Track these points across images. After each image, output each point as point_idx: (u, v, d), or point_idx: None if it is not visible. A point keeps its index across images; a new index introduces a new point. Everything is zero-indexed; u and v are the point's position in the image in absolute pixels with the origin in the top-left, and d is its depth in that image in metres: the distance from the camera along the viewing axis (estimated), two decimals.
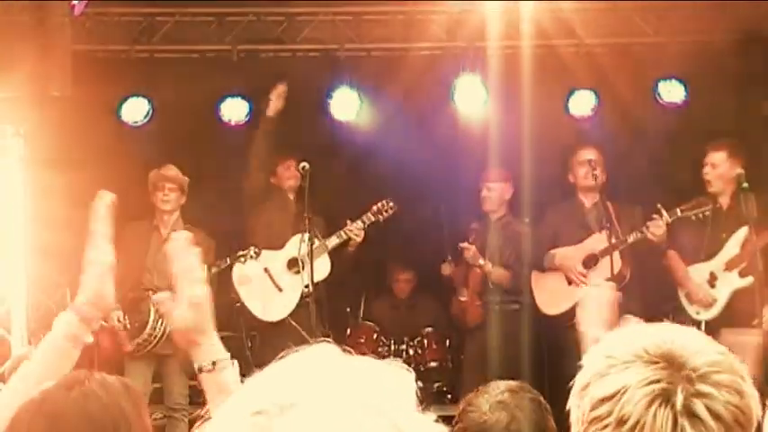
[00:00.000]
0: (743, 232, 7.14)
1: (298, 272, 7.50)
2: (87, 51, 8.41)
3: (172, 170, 7.53)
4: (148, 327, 7.19)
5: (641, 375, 1.41)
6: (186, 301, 2.14)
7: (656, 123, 8.65)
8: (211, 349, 2.16)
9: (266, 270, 7.70)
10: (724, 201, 7.43)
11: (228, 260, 7.43)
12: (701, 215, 7.11)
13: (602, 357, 1.47)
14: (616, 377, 1.43)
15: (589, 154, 7.47)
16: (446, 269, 8.24)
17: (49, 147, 8.19)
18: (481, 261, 7.98)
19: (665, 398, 1.39)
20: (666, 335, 1.47)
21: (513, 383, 2.90)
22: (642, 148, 8.34)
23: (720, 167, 7.36)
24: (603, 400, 1.43)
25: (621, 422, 1.40)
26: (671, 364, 1.41)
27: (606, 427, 1.42)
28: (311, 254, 7.25)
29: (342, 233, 7.72)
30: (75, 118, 7.75)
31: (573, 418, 1.50)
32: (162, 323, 7.08)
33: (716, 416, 1.38)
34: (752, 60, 8.66)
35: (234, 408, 1.01)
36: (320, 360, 1.06)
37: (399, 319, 8.77)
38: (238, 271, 7.63)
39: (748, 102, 8.75)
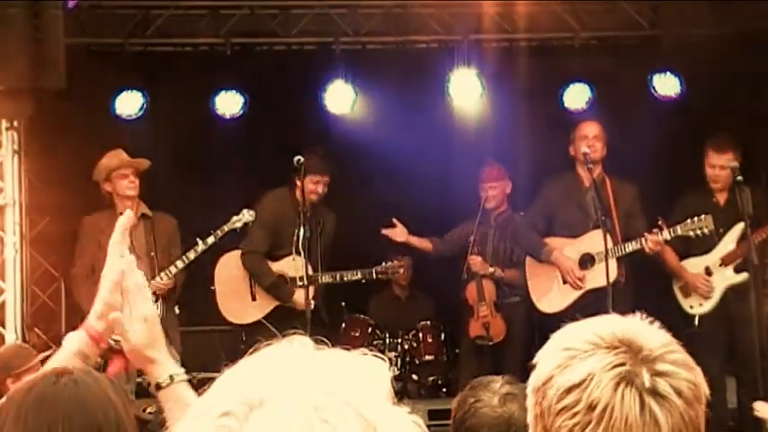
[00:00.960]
0: (739, 228, 7.15)
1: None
2: (81, 45, 8.39)
3: (124, 154, 7.34)
4: None
5: (605, 361, 1.46)
6: (140, 317, 2.14)
7: (650, 116, 8.65)
8: (167, 364, 2.16)
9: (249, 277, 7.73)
10: (722, 196, 7.44)
11: (226, 227, 7.37)
12: (699, 233, 7.13)
13: (560, 350, 1.51)
14: (580, 366, 1.46)
15: (591, 128, 7.46)
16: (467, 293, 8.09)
17: (43, 140, 8.18)
18: (490, 269, 7.98)
19: (630, 380, 1.44)
20: (614, 323, 1.52)
21: (505, 377, 2.90)
22: (637, 142, 8.33)
23: (727, 168, 7.30)
24: (570, 390, 1.46)
25: (591, 408, 1.44)
26: (630, 348, 1.47)
27: (575, 414, 1.45)
28: (306, 245, 7.24)
29: (337, 276, 7.64)
30: (70, 111, 7.74)
31: (532, 416, 1.53)
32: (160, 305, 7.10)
33: (678, 392, 1.44)
34: (747, 54, 8.66)
35: (202, 409, 1.00)
36: (290, 355, 1.05)
37: (397, 312, 8.77)
38: (221, 266, 7.64)
39: (743, 95, 8.75)
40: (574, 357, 1.48)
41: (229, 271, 7.67)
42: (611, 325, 1.51)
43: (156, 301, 7.22)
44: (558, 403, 1.47)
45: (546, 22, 8.98)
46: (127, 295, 2.15)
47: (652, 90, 8.77)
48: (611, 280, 6.95)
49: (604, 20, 8.97)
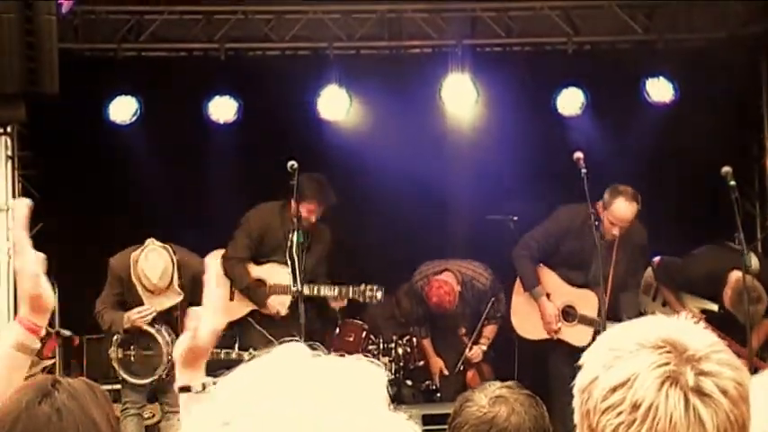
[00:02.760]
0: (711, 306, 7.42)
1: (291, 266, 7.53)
2: (75, 50, 8.39)
3: (160, 272, 7.10)
4: (159, 371, 7.22)
5: (649, 360, 1.46)
6: (211, 328, 2.13)
7: (644, 121, 8.66)
8: (205, 371, 2.16)
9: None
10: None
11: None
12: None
13: (606, 351, 1.52)
14: (625, 365, 1.47)
15: (629, 211, 7.16)
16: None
17: (36, 145, 8.17)
18: (483, 347, 8.07)
19: (674, 379, 1.45)
20: (660, 324, 1.53)
21: (507, 382, 2.91)
22: (630, 147, 8.35)
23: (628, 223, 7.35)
24: (615, 389, 1.47)
25: (635, 407, 1.45)
26: (674, 347, 1.47)
27: (620, 414, 1.46)
28: (301, 253, 7.23)
29: (319, 290, 7.61)
30: (63, 117, 7.73)
31: (578, 415, 1.53)
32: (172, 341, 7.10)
33: (723, 392, 1.44)
34: (740, 58, 8.68)
35: (204, 417, 1.01)
36: (286, 362, 1.05)
37: (393, 317, 8.75)
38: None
39: (737, 100, 8.77)
40: (619, 357, 1.48)
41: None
42: (656, 326, 1.52)
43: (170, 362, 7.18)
44: (603, 402, 1.47)
45: (539, 26, 8.99)
46: (205, 304, 2.12)
47: (645, 95, 8.78)
48: (584, 344, 7.04)
49: (598, 25, 8.98)
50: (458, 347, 8.13)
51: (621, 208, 7.19)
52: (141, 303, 7.19)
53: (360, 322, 8.50)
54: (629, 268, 7.42)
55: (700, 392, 1.44)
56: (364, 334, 8.33)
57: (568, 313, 7.39)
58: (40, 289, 2.24)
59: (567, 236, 7.39)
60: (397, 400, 8.18)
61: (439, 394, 8.24)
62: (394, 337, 8.35)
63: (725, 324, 6.93)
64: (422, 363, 8.29)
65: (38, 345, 2.29)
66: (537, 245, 7.50)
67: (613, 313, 7.12)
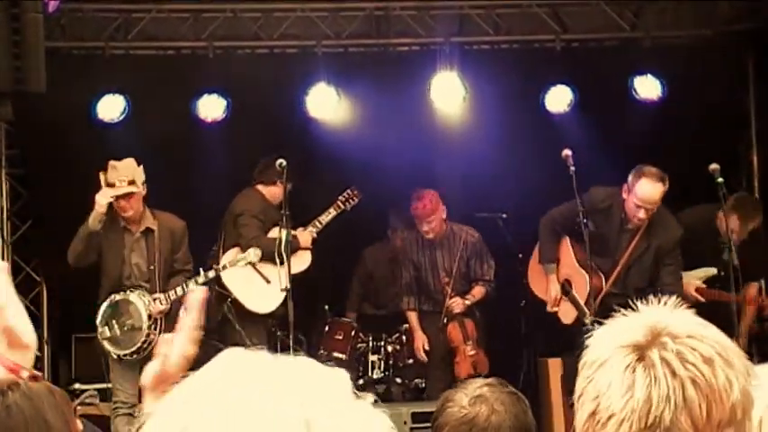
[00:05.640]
0: (711, 272, 7.41)
1: (276, 264, 7.52)
2: (62, 48, 8.36)
3: (123, 165, 7.19)
4: (142, 336, 7.16)
5: (627, 337, 1.48)
6: (182, 355, 2.11)
7: (632, 119, 8.67)
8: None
9: (251, 264, 7.67)
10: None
11: (228, 264, 7.44)
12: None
13: (586, 366, 1.53)
14: (604, 344, 1.50)
15: (656, 193, 6.86)
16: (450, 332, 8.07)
17: (23, 144, 8.14)
18: (467, 302, 8.03)
19: (635, 348, 1.46)
20: (660, 312, 1.53)
21: (490, 379, 2.91)
22: (618, 144, 8.36)
23: (736, 230, 7.35)
24: (591, 363, 1.50)
25: (593, 364, 1.48)
26: (655, 325, 1.48)
27: (584, 371, 1.49)
28: (289, 250, 7.23)
29: (316, 223, 7.69)
30: (51, 115, 7.70)
31: (576, 392, 1.54)
32: (156, 328, 7.10)
33: (672, 370, 1.43)
34: (727, 56, 8.71)
35: (162, 422, 1.03)
36: (240, 366, 1.06)
37: (391, 263, 8.75)
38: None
39: (724, 97, 8.79)
40: (596, 370, 1.50)
41: (233, 270, 7.64)
42: (653, 313, 1.51)
43: (153, 324, 7.19)
44: (582, 369, 1.51)
45: (528, 24, 9.01)
46: (179, 330, 2.11)
47: (633, 92, 8.80)
48: (567, 323, 7.08)
49: (585, 22, 9.00)
50: (440, 300, 8.07)
51: (646, 189, 6.79)
52: (119, 255, 7.25)
53: (348, 320, 8.51)
54: (648, 268, 7.10)
55: (646, 361, 1.44)
56: (353, 332, 8.34)
57: (564, 288, 7.35)
58: (7, 322, 2.19)
59: (592, 216, 7.10)
60: (386, 397, 8.19)
61: (426, 393, 8.25)
62: (383, 335, 8.36)
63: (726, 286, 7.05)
64: (411, 361, 8.30)
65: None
66: (562, 219, 7.28)
67: (607, 305, 7.04)
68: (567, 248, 7.39)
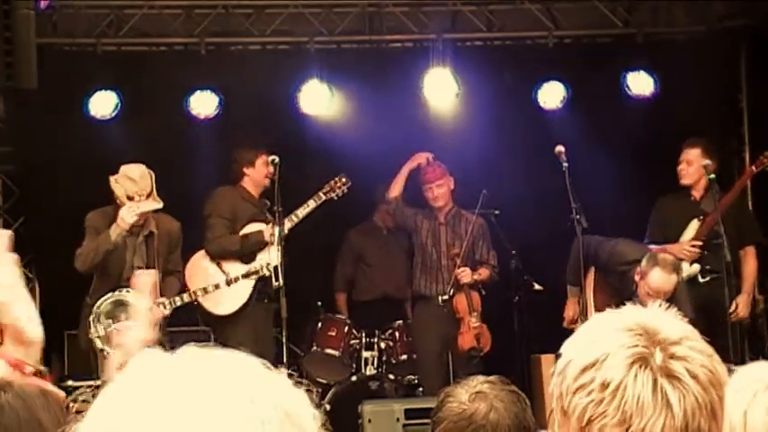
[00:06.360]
0: (695, 223, 7.39)
1: (248, 263, 7.49)
2: (54, 44, 8.34)
3: (140, 175, 7.04)
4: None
5: (620, 341, 1.48)
6: (139, 338, 2.11)
7: (624, 115, 8.68)
8: None
9: (218, 264, 7.64)
10: (698, 192, 7.55)
11: (231, 276, 7.46)
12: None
13: (581, 335, 1.54)
14: (596, 346, 1.49)
15: (665, 280, 6.62)
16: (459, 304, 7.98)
17: (15, 140, 8.12)
18: (476, 276, 7.98)
19: (644, 360, 1.45)
20: (638, 312, 1.54)
21: (491, 377, 2.91)
22: (611, 140, 8.37)
23: (695, 164, 7.44)
24: (585, 369, 1.48)
25: (604, 386, 1.45)
26: (646, 331, 1.48)
27: (590, 393, 1.47)
28: (281, 247, 7.21)
29: (293, 217, 7.60)
30: (42, 112, 7.69)
31: (555, 397, 1.54)
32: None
33: (693, 376, 1.45)
34: (720, 52, 8.72)
35: (92, 428, 1.05)
36: (169, 365, 1.08)
37: (378, 242, 8.72)
38: (190, 267, 7.58)
39: (717, 94, 8.80)
40: (592, 340, 1.50)
41: (198, 268, 7.61)
42: (631, 312, 1.54)
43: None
44: (575, 382, 1.49)
45: (520, 20, 9.01)
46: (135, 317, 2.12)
47: (626, 89, 8.80)
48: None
49: (578, 18, 9.01)
50: (445, 277, 7.99)
51: (658, 280, 6.55)
52: (120, 257, 7.13)
53: (342, 317, 8.50)
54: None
55: (669, 374, 1.44)
56: (346, 329, 8.33)
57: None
58: (10, 317, 2.19)
59: (611, 270, 7.08)
60: (379, 394, 8.19)
61: (421, 388, 8.25)
62: (376, 332, 8.35)
63: None
64: (404, 357, 8.29)
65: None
66: (593, 254, 7.14)
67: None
68: (589, 283, 7.29)
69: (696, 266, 7.41)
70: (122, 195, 6.96)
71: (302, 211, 7.61)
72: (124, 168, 7.03)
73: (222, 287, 7.48)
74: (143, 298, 2.07)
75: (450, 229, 8.06)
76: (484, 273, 8.01)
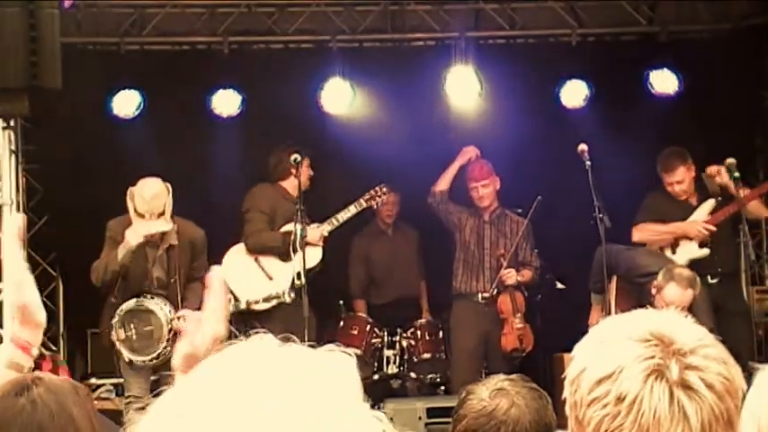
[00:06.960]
0: (710, 203, 7.37)
1: (286, 260, 7.51)
2: (77, 44, 8.38)
3: (152, 195, 6.87)
4: (160, 347, 6.95)
5: (635, 353, 1.46)
6: (212, 334, 2.09)
7: (648, 113, 8.64)
8: None
9: (256, 259, 7.67)
10: (693, 199, 7.55)
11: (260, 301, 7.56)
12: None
13: (595, 342, 1.52)
14: (611, 357, 1.47)
15: (681, 296, 6.50)
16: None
17: (39, 139, 8.17)
18: (519, 278, 7.97)
19: (660, 372, 1.44)
20: (649, 317, 1.53)
21: (512, 375, 2.91)
22: (634, 139, 8.33)
23: (686, 179, 7.44)
24: (601, 381, 1.47)
25: (620, 399, 1.44)
26: (661, 341, 1.47)
27: (605, 406, 1.45)
28: (303, 244, 7.23)
29: (333, 221, 7.68)
30: (66, 111, 7.72)
31: (567, 406, 1.53)
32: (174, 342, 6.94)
33: (709, 386, 1.44)
34: (745, 50, 8.66)
35: (160, 410, 1.04)
36: (249, 355, 1.05)
37: (382, 246, 8.70)
38: (227, 261, 7.59)
39: (741, 92, 8.75)
40: (606, 349, 1.49)
41: (237, 258, 7.65)
42: (645, 319, 1.52)
43: (173, 337, 6.94)
44: (590, 394, 1.47)
45: (543, 18, 8.98)
46: (206, 311, 2.09)
47: (649, 87, 8.76)
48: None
49: (602, 16, 8.97)
50: (495, 271, 7.99)
51: (672, 295, 6.43)
52: (142, 267, 7.06)
53: (364, 316, 8.49)
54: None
55: (685, 386, 1.43)
56: (368, 327, 8.32)
57: None
58: (24, 298, 2.21)
59: (629, 280, 7.10)
60: (401, 393, 8.18)
61: (443, 387, 8.25)
62: (398, 330, 8.34)
63: None
64: (427, 356, 8.28)
65: (30, 364, 2.27)
66: (614, 263, 7.12)
67: None
68: (612, 290, 7.24)
69: (705, 250, 7.34)
70: (132, 211, 6.90)
71: (343, 216, 7.71)
72: (140, 183, 6.92)
73: (252, 295, 7.54)
74: (215, 294, 2.05)
75: (495, 229, 8.06)
76: (527, 274, 8.04)
